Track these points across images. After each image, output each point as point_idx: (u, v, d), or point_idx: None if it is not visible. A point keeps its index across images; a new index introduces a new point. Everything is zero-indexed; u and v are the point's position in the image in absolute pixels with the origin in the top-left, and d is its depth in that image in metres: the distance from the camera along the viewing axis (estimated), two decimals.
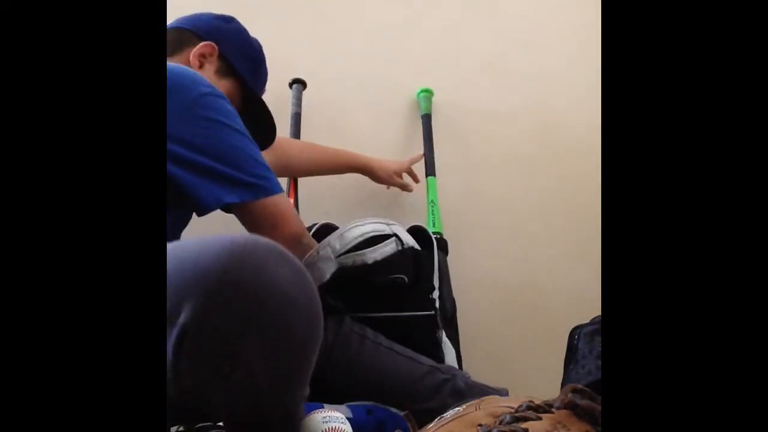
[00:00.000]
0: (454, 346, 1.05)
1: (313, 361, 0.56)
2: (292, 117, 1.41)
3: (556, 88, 1.60)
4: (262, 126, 1.04)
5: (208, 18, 1.03)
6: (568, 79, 1.61)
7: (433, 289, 1.01)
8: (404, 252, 0.95)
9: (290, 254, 0.55)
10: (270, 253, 0.52)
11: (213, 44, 0.98)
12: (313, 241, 0.93)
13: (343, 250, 0.91)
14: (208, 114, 0.81)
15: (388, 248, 0.93)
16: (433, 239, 1.09)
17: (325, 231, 1.08)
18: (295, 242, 0.88)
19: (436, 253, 1.08)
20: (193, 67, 0.94)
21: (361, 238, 0.92)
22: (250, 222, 0.87)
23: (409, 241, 0.97)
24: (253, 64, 1.05)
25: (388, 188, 1.41)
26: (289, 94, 1.45)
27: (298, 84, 1.46)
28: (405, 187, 1.40)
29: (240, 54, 1.02)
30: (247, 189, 0.84)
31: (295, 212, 0.92)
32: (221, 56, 0.99)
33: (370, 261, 0.91)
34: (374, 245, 0.93)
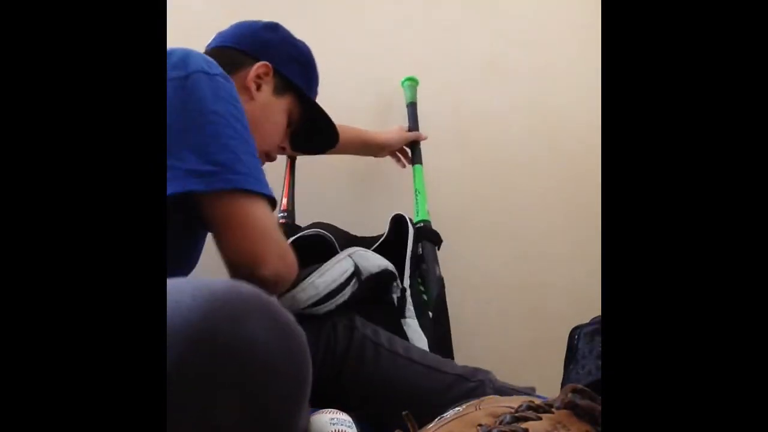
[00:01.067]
0: (442, 332, 1.05)
1: (302, 413, 0.53)
2: None
3: (555, 88, 1.60)
4: (323, 130, 1.02)
5: (253, 31, 0.98)
6: (567, 79, 1.61)
7: (392, 285, 0.99)
8: (361, 286, 0.91)
9: (275, 305, 0.51)
10: (252, 306, 0.48)
11: (267, 64, 0.93)
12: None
13: (300, 307, 0.86)
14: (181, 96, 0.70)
15: (343, 297, 0.89)
16: (411, 228, 1.08)
17: (312, 242, 1.06)
18: (268, 283, 0.68)
19: (410, 243, 1.07)
20: (251, 91, 0.91)
21: (315, 298, 0.86)
22: (209, 225, 0.71)
23: (370, 268, 0.92)
24: (307, 71, 1.01)
25: (404, 167, 1.38)
26: None
27: None
28: (399, 161, 1.39)
29: (294, 65, 0.98)
30: (197, 177, 0.67)
31: (278, 236, 0.72)
32: (276, 72, 0.95)
33: (321, 312, 0.87)
34: (332, 298, 0.88)
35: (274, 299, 0.52)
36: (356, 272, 0.90)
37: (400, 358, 0.86)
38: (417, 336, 0.98)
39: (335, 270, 0.89)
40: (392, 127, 1.39)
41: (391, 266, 0.97)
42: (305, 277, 0.88)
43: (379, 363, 0.85)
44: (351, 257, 0.91)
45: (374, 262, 0.94)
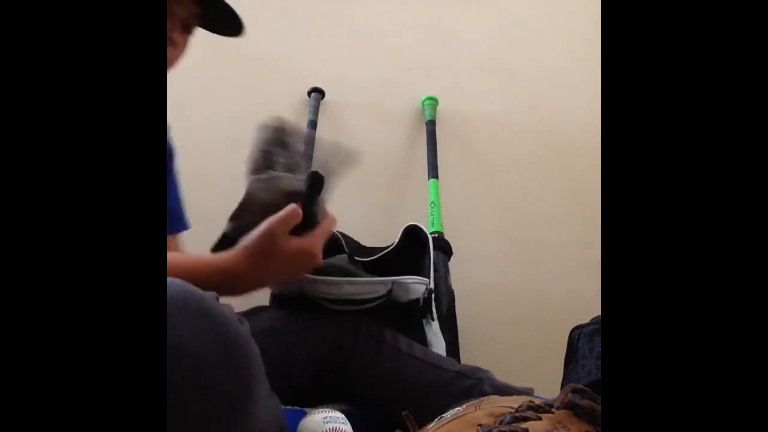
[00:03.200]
0: (451, 341, 1.06)
1: (253, 409, 0.52)
2: (308, 124, 1.45)
3: (555, 88, 1.60)
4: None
5: None
6: (568, 79, 1.61)
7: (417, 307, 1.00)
8: (384, 305, 0.91)
9: (208, 303, 0.49)
10: (180, 306, 0.47)
11: None
12: None
13: (315, 294, 0.88)
14: None
15: (359, 308, 0.90)
16: (429, 238, 1.10)
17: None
18: None
19: (431, 249, 1.09)
20: None
21: (332, 297, 0.89)
22: None
23: (402, 298, 0.93)
24: None
25: None
26: (307, 101, 1.51)
27: (317, 93, 1.51)
28: None
29: None
30: None
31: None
32: None
33: (331, 308, 0.89)
34: (349, 305, 0.89)
35: (208, 296, 0.50)
36: (386, 296, 0.91)
37: (402, 355, 0.87)
38: (436, 338, 1.00)
39: (368, 287, 0.91)
40: None
41: (422, 292, 0.97)
42: (341, 275, 0.89)
43: (382, 359, 0.86)
44: (393, 284, 0.92)
45: (409, 295, 0.94)
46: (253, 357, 0.52)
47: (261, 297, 1.01)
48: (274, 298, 0.98)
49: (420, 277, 0.96)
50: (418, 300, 0.96)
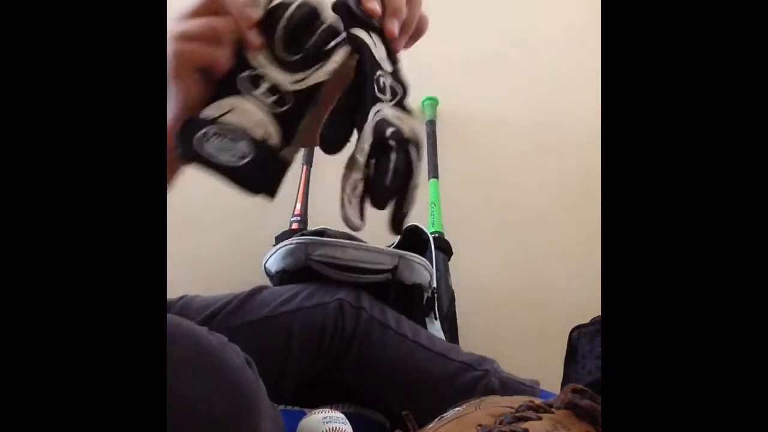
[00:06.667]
0: (451, 340, 1.06)
1: None
2: None
3: (556, 88, 1.60)
4: None
5: None
6: (568, 79, 1.61)
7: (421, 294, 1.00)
8: (387, 284, 0.90)
9: (217, 353, 0.49)
10: (186, 359, 0.47)
11: None
12: None
13: (312, 257, 0.85)
14: None
15: (360, 281, 0.88)
16: (430, 238, 1.10)
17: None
18: None
19: (432, 249, 1.09)
20: None
21: (335, 261, 0.86)
22: None
23: (405, 278, 0.91)
24: None
25: None
26: None
27: None
28: None
29: None
30: None
31: None
32: None
33: (331, 276, 0.86)
34: (351, 272, 0.87)
35: (218, 343, 0.50)
36: (392, 272, 0.89)
37: (407, 342, 0.84)
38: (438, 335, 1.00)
39: (373, 256, 0.88)
40: None
41: (427, 281, 0.96)
42: (349, 239, 0.87)
43: (386, 346, 0.83)
44: (400, 258, 0.90)
45: (414, 277, 0.92)
46: (262, 404, 0.52)
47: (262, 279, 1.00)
48: (276, 274, 0.95)
49: (426, 261, 0.94)
50: (421, 286, 0.94)
